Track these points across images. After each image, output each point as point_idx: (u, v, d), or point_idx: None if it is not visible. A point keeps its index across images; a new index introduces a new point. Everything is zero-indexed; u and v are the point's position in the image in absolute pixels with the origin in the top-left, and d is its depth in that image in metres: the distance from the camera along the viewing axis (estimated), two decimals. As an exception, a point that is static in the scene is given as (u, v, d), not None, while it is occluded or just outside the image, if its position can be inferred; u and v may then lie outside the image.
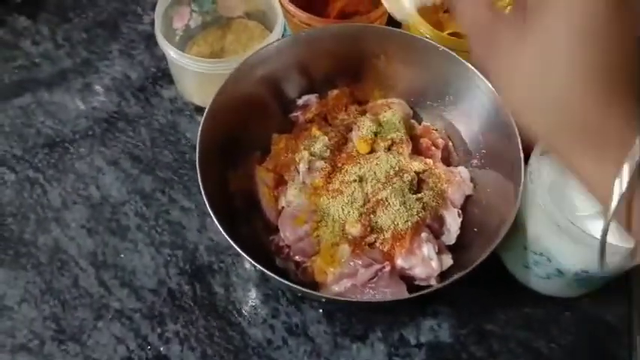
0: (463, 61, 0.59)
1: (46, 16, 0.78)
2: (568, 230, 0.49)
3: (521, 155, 0.54)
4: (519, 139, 0.55)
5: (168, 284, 0.61)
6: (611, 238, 0.50)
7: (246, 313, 0.59)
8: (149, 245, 0.63)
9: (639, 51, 0.30)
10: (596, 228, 0.52)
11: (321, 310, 0.59)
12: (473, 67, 0.59)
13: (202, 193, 0.53)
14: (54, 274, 0.61)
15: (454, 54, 0.60)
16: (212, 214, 0.52)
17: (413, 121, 0.65)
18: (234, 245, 0.50)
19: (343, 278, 0.54)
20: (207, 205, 0.52)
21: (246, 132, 0.62)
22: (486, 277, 0.59)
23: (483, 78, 0.59)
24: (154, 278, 0.61)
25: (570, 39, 0.29)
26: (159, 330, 0.58)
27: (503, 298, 0.61)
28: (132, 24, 0.78)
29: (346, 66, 0.65)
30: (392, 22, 0.70)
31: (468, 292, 0.60)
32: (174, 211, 0.65)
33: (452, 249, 0.58)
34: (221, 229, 0.51)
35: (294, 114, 0.65)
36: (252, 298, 0.60)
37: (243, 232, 0.58)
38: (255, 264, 0.50)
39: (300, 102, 0.65)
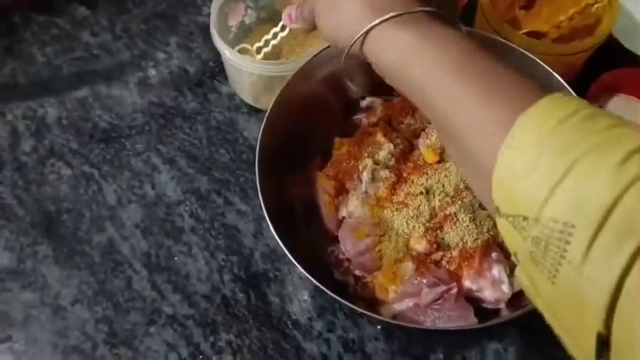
0: (540, 62, 0.55)
1: (105, 6, 0.77)
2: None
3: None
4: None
5: (222, 291, 0.59)
6: None
7: (301, 326, 0.57)
8: (203, 249, 0.61)
9: None
10: None
11: (379, 327, 0.56)
12: (551, 70, 0.54)
13: (260, 196, 0.50)
14: (107, 274, 0.60)
15: (531, 55, 0.55)
16: (268, 219, 0.49)
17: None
18: (289, 254, 0.48)
19: (405, 297, 0.51)
20: (264, 210, 0.50)
21: (307, 135, 0.59)
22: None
23: (562, 80, 0.54)
24: (207, 284, 0.59)
25: None
26: (211, 338, 0.57)
27: (577, 323, 0.56)
28: (191, 15, 0.76)
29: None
30: (463, 18, 0.66)
31: (539, 315, 0.55)
32: (230, 214, 0.63)
33: (524, 269, 0.54)
34: (276, 235, 0.49)
35: (358, 116, 0.62)
36: (308, 309, 0.58)
37: (301, 241, 0.55)
38: (310, 277, 0.47)
39: (364, 104, 0.62)
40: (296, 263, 0.48)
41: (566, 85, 0.54)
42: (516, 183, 0.30)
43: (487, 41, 0.58)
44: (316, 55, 0.57)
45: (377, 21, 0.37)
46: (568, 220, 0.27)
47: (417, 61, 0.36)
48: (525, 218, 0.29)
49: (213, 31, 0.61)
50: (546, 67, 0.55)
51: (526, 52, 0.56)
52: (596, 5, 0.62)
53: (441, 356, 0.55)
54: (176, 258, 0.61)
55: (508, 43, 0.57)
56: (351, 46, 0.40)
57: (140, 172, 0.65)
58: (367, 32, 0.38)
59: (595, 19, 0.64)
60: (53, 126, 0.68)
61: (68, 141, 0.67)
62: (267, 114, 0.54)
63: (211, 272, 0.60)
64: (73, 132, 0.68)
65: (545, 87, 0.32)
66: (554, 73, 0.55)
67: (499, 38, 0.58)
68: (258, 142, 0.52)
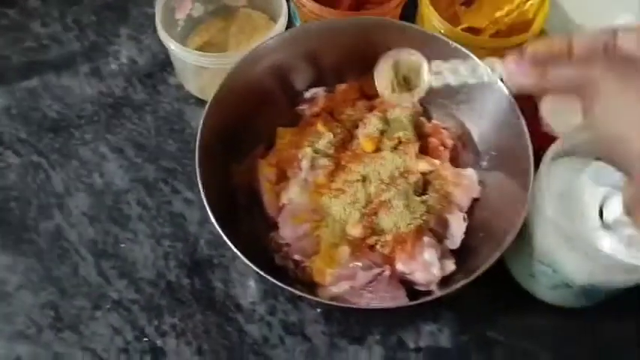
0: (475, 58, 0.57)
1: (56, -4, 0.77)
2: (576, 244, 0.47)
3: (532, 160, 0.52)
4: (529, 142, 0.53)
5: (167, 276, 0.60)
6: (623, 256, 0.49)
7: (244, 310, 0.59)
8: (150, 236, 0.62)
9: None
10: (606, 241, 0.50)
11: (319, 310, 0.58)
12: (485, 65, 0.57)
13: (200, 187, 0.52)
14: (54, 261, 0.61)
15: (466, 51, 0.57)
16: (208, 208, 0.51)
17: (422, 118, 0.63)
18: (229, 243, 0.49)
19: (342, 280, 0.53)
20: (205, 200, 0.51)
21: (251, 124, 0.60)
22: (491, 284, 0.58)
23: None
24: (153, 270, 0.60)
25: None
26: (156, 322, 0.58)
27: (507, 305, 0.59)
28: (141, 8, 0.77)
29: (356, 59, 0.63)
30: (404, 15, 0.68)
31: (471, 298, 0.58)
32: (177, 202, 0.64)
33: (456, 253, 0.57)
34: (216, 225, 0.50)
35: (301, 107, 0.64)
36: (250, 294, 0.59)
37: (244, 228, 0.57)
38: (250, 263, 0.49)
39: (307, 95, 0.64)
40: (236, 250, 0.49)
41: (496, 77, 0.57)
42: None
43: (428, 38, 0.60)
44: (259, 46, 0.59)
45: None
46: None
47: None
48: None
49: (159, 25, 0.62)
50: (475, 58, 0.57)
51: (460, 47, 0.58)
52: (529, 3, 0.65)
53: (378, 337, 0.58)
54: (123, 245, 0.62)
55: (444, 38, 0.59)
56: None
57: (88, 161, 0.66)
58: None
59: (530, 16, 0.67)
60: (1, 115, 0.69)
61: (17, 130, 0.68)
62: (208, 104, 0.55)
63: (157, 258, 0.61)
64: (22, 121, 0.68)
65: None
66: (488, 68, 0.57)
67: (437, 35, 0.60)
68: (199, 132, 0.54)
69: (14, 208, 0.63)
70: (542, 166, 0.51)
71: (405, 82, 0.50)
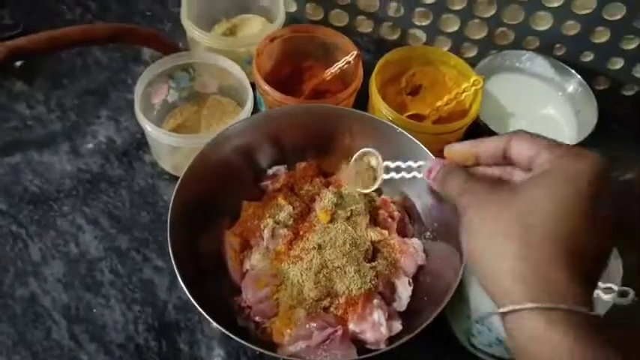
0: (418, 142, 0.65)
1: (42, 81, 0.84)
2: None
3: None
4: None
5: (136, 340, 0.64)
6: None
7: (207, 370, 0.63)
8: (121, 301, 0.66)
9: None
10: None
11: (278, 370, 0.63)
12: (425, 148, 0.65)
13: (171, 256, 0.57)
14: (27, 325, 0.64)
15: (410, 135, 0.65)
16: (178, 275, 0.56)
17: (373, 193, 0.71)
18: (196, 304, 0.54)
19: (299, 340, 0.58)
20: (175, 266, 0.56)
21: (218, 198, 0.67)
22: (436, 343, 0.64)
23: (431, 155, 0.64)
24: (122, 333, 0.64)
25: (551, 211, 0.35)
26: (124, 384, 0.61)
27: (451, 363, 0.65)
28: (121, 92, 0.84)
29: (315, 141, 0.71)
30: (358, 102, 0.77)
31: (417, 356, 0.64)
32: (148, 269, 0.69)
33: (403, 315, 0.62)
34: (185, 288, 0.55)
35: (264, 183, 0.70)
36: (215, 355, 0.64)
37: (210, 292, 0.62)
38: (214, 322, 0.53)
39: (270, 172, 0.71)
40: (203, 312, 0.54)
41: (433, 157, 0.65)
42: None
43: (377, 123, 0.68)
44: (227, 129, 0.66)
45: (528, 306, 0.33)
46: None
47: None
48: None
49: (137, 109, 0.70)
50: (420, 144, 0.65)
51: (404, 132, 0.66)
52: (464, 94, 0.74)
53: (333, 395, 0.62)
54: (94, 310, 0.66)
55: (390, 124, 0.67)
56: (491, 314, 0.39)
57: (65, 232, 0.71)
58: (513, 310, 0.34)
59: (466, 105, 0.76)
60: (-16, 189, 0.74)
61: (-2, 202, 0.73)
62: (179, 181, 0.61)
63: (127, 322, 0.65)
64: (3, 194, 0.73)
65: None
66: (428, 151, 0.65)
67: (385, 121, 0.69)
68: (171, 205, 0.59)
69: (-9, 276, 0.67)
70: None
71: (367, 175, 0.62)
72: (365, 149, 0.62)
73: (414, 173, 0.55)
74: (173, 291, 0.67)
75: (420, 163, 0.53)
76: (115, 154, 0.78)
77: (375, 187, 0.62)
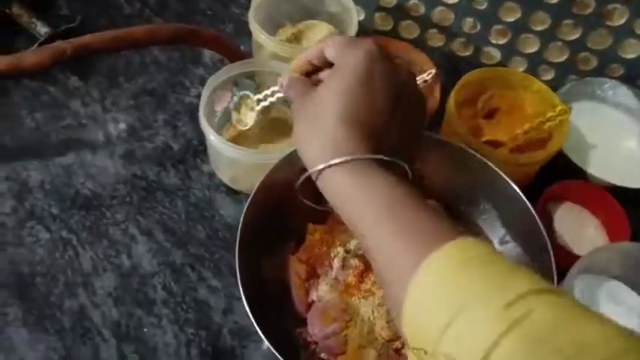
0: (497, 169, 0.61)
1: (98, 78, 0.81)
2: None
3: (554, 273, 0.54)
4: (552, 256, 0.55)
5: (188, 365, 0.61)
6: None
7: (263, 404, 0.59)
8: (173, 322, 0.63)
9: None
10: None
11: (339, 410, 0.59)
12: (506, 177, 0.60)
13: (237, 274, 0.53)
14: (75, 341, 0.61)
15: (487, 161, 0.61)
16: (243, 296, 0.52)
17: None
18: (260, 332, 0.50)
19: (368, 382, 0.54)
20: (240, 287, 0.52)
21: (284, 220, 0.63)
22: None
23: (517, 188, 0.60)
24: (174, 357, 0.61)
25: (336, 97, 0.43)
26: (174, 412, 0.58)
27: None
28: (179, 95, 0.80)
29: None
30: (432, 121, 0.72)
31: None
32: (202, 289, 0.65)
33: None
34: (249, 311, 0.51)
35: (329, 205, 0.66)
36: (271, 388, 0.60)
37: (271, 321, 0.58)
38: (277, 353, 0.50)
39: (337, 194, 0.66)
40: (264, 339, 0.50)
41: (519, 191, 0.60)
42: (419, 318, 0.33)
43: (453, 149, 0.64)
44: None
45: (325, 165, 0.41)
46: (456, 358, 0.30)
47: (351, 205, 0.40)
48: (425, 352, 0.32)
49: (202, 116, 0.66)
50: (503, 175, 0.61)
51: (487, 161, 0.62)
52: (548, 123, 0.69)
53: None
54: (145, 329, 0.62)
55: (471, 151, 0.63)
56: (304, 176, 0.44)
57: (117, 242, 0.68)
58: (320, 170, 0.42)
59: (548, 134, 0.71)
60: (35, 189, 0.70)
61: (49, 205, 0.69)
62: (250, 198, 0.57)
63: (179, 346, 0.61)
64: (55, 197, 0.70)
65: (460, 230, 0.36)
66: (510, 181, 0.61)
67: (463, 146, 0.64)
68: (240, 224, 0.56)
69: (39, 284, 0.64)
70: (565, 283, 0.53)
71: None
72: (240, 93, 0.63)
73: (277, 95, 0.58)
74: (228, 315, 0.64)
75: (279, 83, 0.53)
76: (171, 162, 0.74)
77: (253, 121, 0.63)
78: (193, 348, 0.61)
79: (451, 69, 0.82)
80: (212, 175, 0.73)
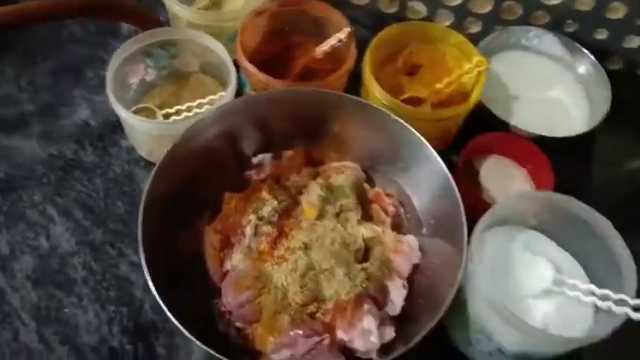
0: (413, 130, 0.60)
1: (12, 57, 0.78)
2: (507, 316, 0.49)
3: (465, 230, 0.54)
4: (463, 213, 0.55)
5: (110, 342, 0.60)
6: (553, 328, 0.51)
7: (186, 376, 0.59)
8: (94, 301, 0.62)
9: None
10: (537, 311, 0.53)
11: (262, 377, 0.59)
12: (420, 135, 0.59)
13: (141, 254, 0.52)
14: (-6, 326, 0.60)
15: (405, 123, 0.60)
16: (148, 277, 0.51)
17: (366, 185, 0.65)
18: (166, 311, 0.50)
19: (283, 348, 0.54)
20: (145, 267, 0.52)
21: (198, 190, 0.62)
22: (432, 350, 0.59)
23: (429, 145, 0.59)
24: (95, 335, 0.60)
25: None
26: (96, 390, 0.58)
27: (449, 371, 0.60)
28: (97, 70, 0.78)
29: (303, 127, 0.66)
30: (353, 83, 0.71)
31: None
32: (123, 265, 0.64)
33: (396, 320, 0.58)
34: (156, 293, 0.51)
35: (249, 172, 0.65)
36: (193, 360, 0.60)
37: (188, 293, 0.57)
38: (190, 335, 0.49)
39: (255, 161, 0.66)
40: (173, 319, 0.50)
41: (432, 150, 0.59)
42: None
43: (370, 109, 0.63)
44: (207, 113, 0.60)
45: None
46: None
47: None
48: None
49: (109, 91, 0.64)
50: (418, 134, 0.60)
51: (402, 121, 0.61)
52: (466, 76, 0.68)
53: (320, 404, 0.58)
54: (66, 309, 0.61)
55: (385, 111, 0.62)
56: None
57: (35, 223, 0.66)
58: None
59: (468, 88, 0.70)
60: (-52, 175, 0.69)
61: (-37, 191, 0.68)
62: (154, 170, 0.56)
63: (100, 324, 0.61)
64: (-31, 181, 0.68)
65: None
66: (424, 140, 0.60)
67: (379, 107, 0.63)
68: (144, 196, 0.55)
69: (-44, 271, 0.63)
70: (474, 237, 0.53)
71: None
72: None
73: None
74: (150, 290, 0.62)
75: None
76: (89, 139, 0.72)
77: None
78: (115, 325, 0.61)
79: (378, 27, 0.81)
80: (131, 149, 0.72)
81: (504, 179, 0.72)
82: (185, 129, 0.59)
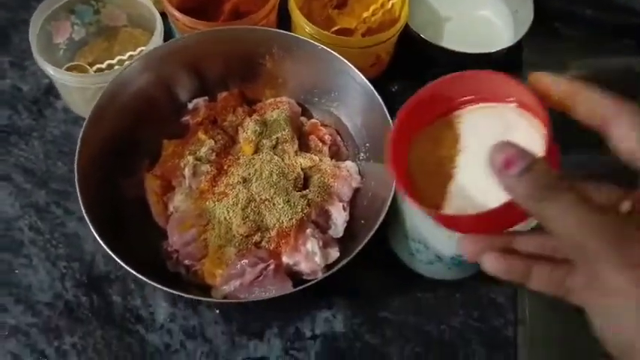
0: (339, 57, 0.61)
1: None
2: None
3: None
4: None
5: (64, 297, 0.61)
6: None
7: (143, 320, 0.60)
8: (44, 260, 0.62)
9: None
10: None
11: (217, 311, 0.60)
12: (347, 62, 0.60)
13: (81, 205, 0.53)
14: (-54, 295, 0.60)
15: (331, 51, 0.61)
16: (91, 227, 0.52)
17: (303, 118, 0.66)
18: (113, 255, 0.51)
19: (231, 279, 0.55)
20: (87, 218, 0.52)
21: (137, 139, 0.62)
22: (380, 266, 0.62)
23: (357, 70, 0.60)
24: (49, 292, 0.61)
25: None
26: (56, 343, 0.58)
27: (396, 285, 0.63)
28: (23, 33, 0.76)
29: (235, 67, 0.66)
30: (283, 20, 0.71)
31: (362, 282, 0.62)
32: (71, 222, 0.65)
33: (341, 241, 0.60)
34: (100, 241, 0.51)
35: (185, 118, 0.66)
36: (149, 304, 0.61)
37: (136, 240, 0.58)
38: (136, 273, 0.50)
39: (190, 106, 0.66)
40: (120, 261, 0.51)
41: (364, 77, 0.60)
42: None
43: (297, 41, 0.63)
44: (134, 62, 0.60)
45: None
46: None
47: None
48: None
49: (35, 52, 0.63)
50: (348, 63, 0.61)
51: (326, 48, 0.61)
52: (391, 1, 0.69)
53: (276, 330, 0.60)
54: (17, 271, 0.62)
55: (312, 42, 0.62)
56: None
57: (-23, 191, 0.66)
58: None
59: (396, 14, 0.71)
60: None
61: None
62: (85, 122, 0.56)
63: (53, 280, 0.61)
64: None
65: None
66: (355, 68, 0.61)
67: (307, 39, 0.63)
68: (77, 151, 0.55)
69: None
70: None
71: None
72: None
73: None
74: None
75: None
76: (22, 104, 0.71)
77: None
78: (68, 280, 0.62)
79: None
80: (67, 109, 0.71)
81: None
82: (110, 80, 0.59)
